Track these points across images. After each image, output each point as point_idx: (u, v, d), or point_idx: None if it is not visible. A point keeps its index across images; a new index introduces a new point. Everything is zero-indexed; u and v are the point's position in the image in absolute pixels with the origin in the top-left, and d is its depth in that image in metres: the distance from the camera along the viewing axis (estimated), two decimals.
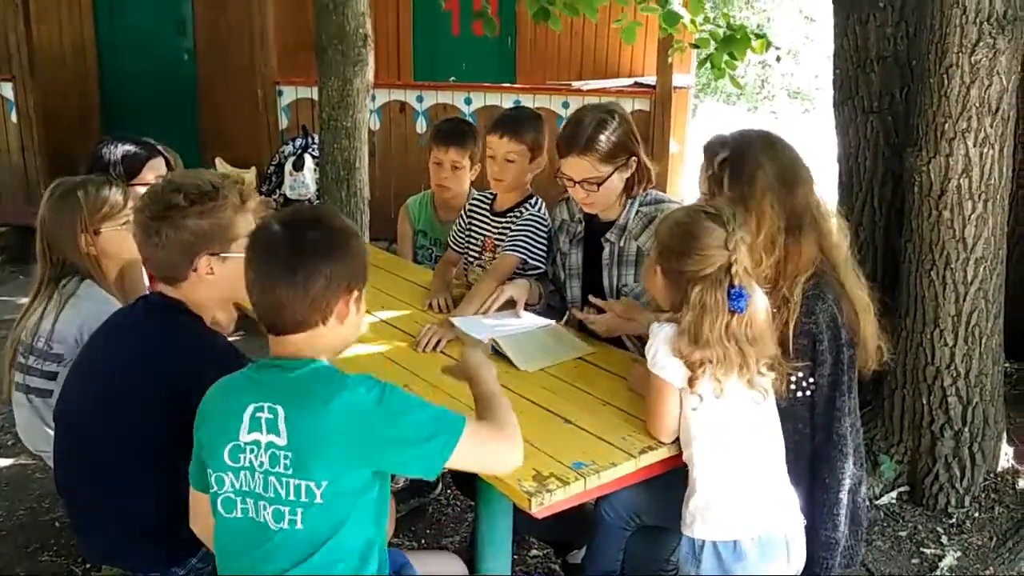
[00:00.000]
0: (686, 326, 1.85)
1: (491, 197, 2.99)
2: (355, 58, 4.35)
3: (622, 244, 2.54)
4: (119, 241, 2.43)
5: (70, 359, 2.28)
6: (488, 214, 2.98)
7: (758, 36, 3.83)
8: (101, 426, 1.90)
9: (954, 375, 3.14)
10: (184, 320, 1.93)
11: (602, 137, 2.45)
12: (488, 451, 1.65)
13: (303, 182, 5.35)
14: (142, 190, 2.69)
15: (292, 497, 1.54)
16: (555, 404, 2.08)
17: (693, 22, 3.79)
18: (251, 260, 1.61)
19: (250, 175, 7.30)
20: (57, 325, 2.31)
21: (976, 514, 3.17)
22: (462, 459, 1.59)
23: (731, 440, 1.89)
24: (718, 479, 1.90)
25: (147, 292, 2.19)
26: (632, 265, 2.54)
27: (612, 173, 2.47)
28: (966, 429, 3.18)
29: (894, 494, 3.28)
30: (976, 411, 3.18)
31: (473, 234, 3.02)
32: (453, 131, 3.29)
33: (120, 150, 2.88)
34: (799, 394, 2.05)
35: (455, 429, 1.58)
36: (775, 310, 1.98)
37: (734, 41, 3.75)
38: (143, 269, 2.54)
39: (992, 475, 3.28)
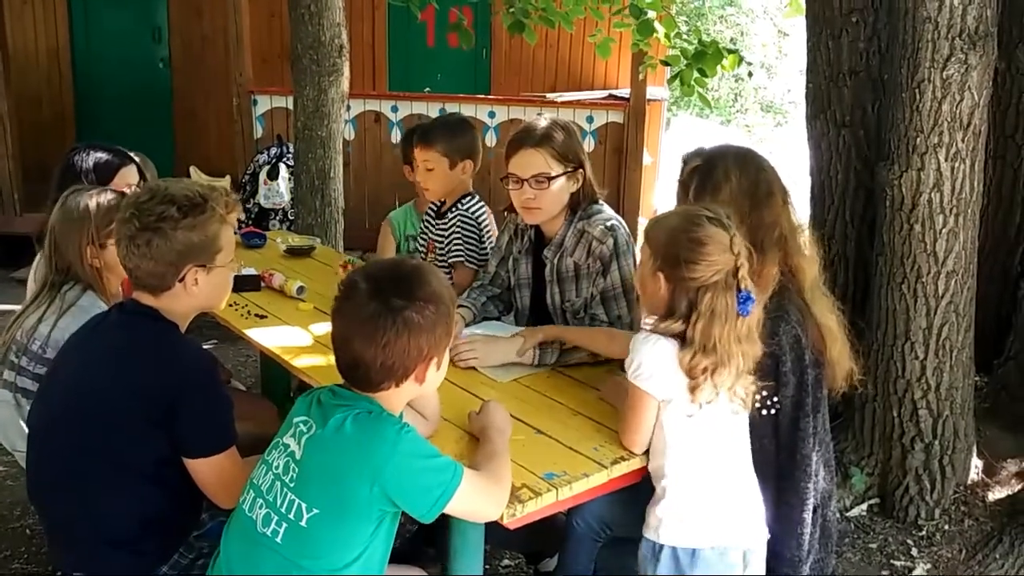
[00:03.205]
0: (698, 336, 1.81)
1: (440, 202, 3.06)
2: (330, 68, 4.33)
3: (556, 261, 2.53)
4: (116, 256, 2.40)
5: None
6: (433, 218, 3.05)
7: (729, 52, 3.85)
8: (72, 434, 1.86)
9: (924, 388, 3.15)
10: (158, 327, 1.90)
11: (556, 135, 2.45)
12: (473, 507, 1.67)
13: (277, 191, 5.32)
14: None
15: (283, 509, 1.59)
16: (527, 415, 2.06)
17: (667, 36, 3.80)
18: (336, 313, 1.64)
19: (225, 183, 7.25)
20: (54, 332, 2.28)
21: (946, 527, 3.17)
22: (448, 509, 1.62)
23: (706, 451, 1.89)
24: (688, 489, 1.89)
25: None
26: (572, 281, 2.52)
27: (561, 176, 2.44)
28: (936, 442, 3.19)
29: (864, 506, 3.28)
30: (946, 424, 3.19)
31: (424, 239, 3.10)
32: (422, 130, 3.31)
33: (92, 158, 2.84)
34: (763, 412, 2.04)
35: (452, 483, 1.59)
36: None
37: (705, 57, 3.77)
38: None
39: (962, 488, 3.29)
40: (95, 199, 2.41)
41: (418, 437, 1.61)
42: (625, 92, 6.29)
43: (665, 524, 1.89)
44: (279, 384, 3.12)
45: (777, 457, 2.06)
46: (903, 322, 3.11)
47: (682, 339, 1.84)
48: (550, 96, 6.36)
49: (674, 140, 9.14)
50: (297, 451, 1.61)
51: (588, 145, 6.11)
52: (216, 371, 1.93)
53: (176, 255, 1.85)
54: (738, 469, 1.94)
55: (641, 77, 5.11)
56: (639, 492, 1.96)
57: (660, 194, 7.15)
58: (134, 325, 1.90)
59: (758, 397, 1.99)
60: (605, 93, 6.65)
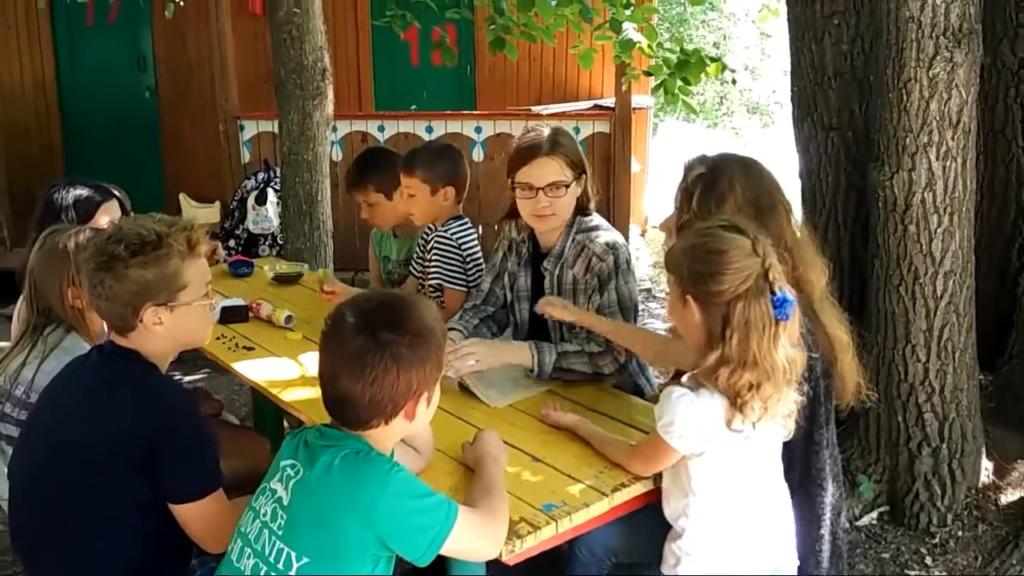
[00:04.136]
0: (733, 350, 1.68)
1: (431, 228, 3.02)
2: (314, 92, 4.30)
3: (558, 273, 2.50)
4: None
5: None
6: (426, 243, 3.01)
7: (712, 60, 3.82)
8: (52, 481, 1.82)
9: (929, 391, 3.10)
10: (136, 368, 1.85)
11: (565, 141, 2.46)
12: (470, 546, 1.61)
13: (266, 216, 5.27)
14: None
15: (271, 559, 1.53)
16: (523, 441, 2.01)
17: (649, 47, 3.77)
18: (323, 347, 1.58)
19: (214, 210, 7.22)
20: (37, 376, 2.22)
21: (959, 533, 3.11)
22: (444, 550, 1.56)
23: (738, 488, 1.81)
24: (713, 528, 1.82)
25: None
26: (571, 295, 2.50)
27: (572, 183, 2.44)
28: (944, 446, 3.13)
29: (874, 514, 3.22)
30: (953, 427, 3.13)
31: (421, 264, 3.05)
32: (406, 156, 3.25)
33: (72, 194, 2.79)
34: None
35: (447, 523, 1.54)
36: None
37: (688, 66, 3.74)
38: None
39: (973, 492, 3.23)
40: (73, 239, 2.35)
41: (409, 476, 1.56)
42: (610, 102, 6.27)
43: (685, 563, 1.82)
44: (271, 416, 3.06)
45: (790, 472, 2.01)
46: (903, 325, 3.06)
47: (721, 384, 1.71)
48: (536, 109, 6.33)
49: (662, 145, 9.12)
50: (284, 496, 1.56)
51: None
52: (198, 412, 1.88)
53: (131, 295, 1.81)
54: (773, 494, 1.88)
55: (624, 88, 5.08)
56: (645, 516, 1.91)
57: (650, 200, 7.12)
58: (112, 367, 1.86)
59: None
60: (591, 103, 6.62)
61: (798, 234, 2.08)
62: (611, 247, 2.45)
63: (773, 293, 1.69)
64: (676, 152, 9.57)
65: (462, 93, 7.40)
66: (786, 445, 2.00)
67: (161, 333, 1.85)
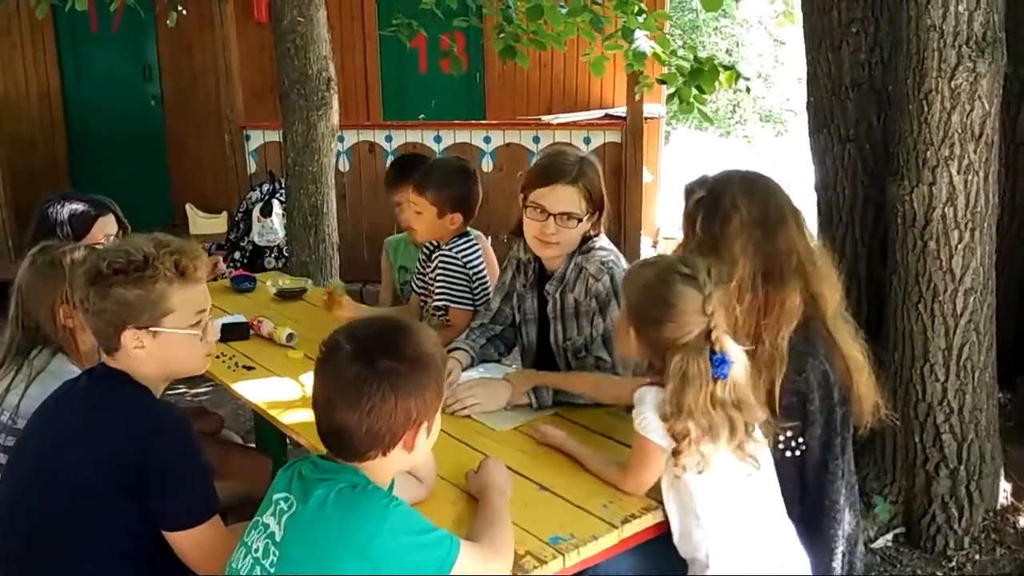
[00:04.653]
0: (668, 396, 1.72)
1: (434, 244, 2.91)
2: (319, 102, 4.24)
3: (559, 297, 2.43)
4: None
5: None
6: (426, 260, 2.93)
7: (726, 68, 3.74)
8: (40, 508, 1.76)
9: (947, 411, 3.01)
10: (127, 390, 1.79)
11: (592, 174, 2.37)
12: None
13: (272, 228, 5.21)
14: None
15: None
16: (529, 468, 1.93)
17: (661, 56, 3.70)
18: (317, 375, 1.52)
19: (221, 220, 7.17)
20: (24, 401, 2.13)
21: (977, 556, 3.03)
22: None
23: (730, 505, 1.76)
24: (736, 551, 1.76)
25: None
26: (573, 318, 2.42)
27: (585, 217, 2.37)
28: (962, 467, 3.05)
29: (890, 536, 3.14)
30: (972, 448, 3.05)
31: (423, 281, 2.95)
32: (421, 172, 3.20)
33: (67, 209, 2.72)
34: (787, 453, 1.92)
35: (448, 560, 1.47)
36: (761, 367, 1.85)
37: (701, 74, 3.67)
38: None
39: (991, 514, 3.15)
40: (69, 255, 2.28)
41: (408, 511, 1.48)
42: (621, 111, 6.19)
43: None
44: (274, 435, 2.98)
45: (802, 502, 1.93)
46: (921, 343, 2.98)
47: None
48: (546, 119, 6.24)
49: (674, 154, 9.04)
50: (277, 532, 1.48)
51: None
52: (191, 436, 1.81)
53: (111, 314, 1.75)
54: (769, 532, 1.80)
55: (637, 98, 5.01)
56: (656, 546, 1.82)
57: (662, 211, 7.04)
58: (102, 389, 1.81)
59: (781, 438, 1.88)
60: (601, 113, 6.54)
61: (812, 247, 1.99)
62: (605, 266, 2.36)
63: (714, 352, 1.71)
64: (688, 161, 9.51)
65: (471, 101, 7.33)
66: (799, 473, 1.93)
67: (143, 357, 1.79)
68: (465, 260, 2.73)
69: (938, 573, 2.97)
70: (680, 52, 3.83)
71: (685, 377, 1.70)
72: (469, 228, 2.86)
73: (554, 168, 2.38)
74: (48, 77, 7.48)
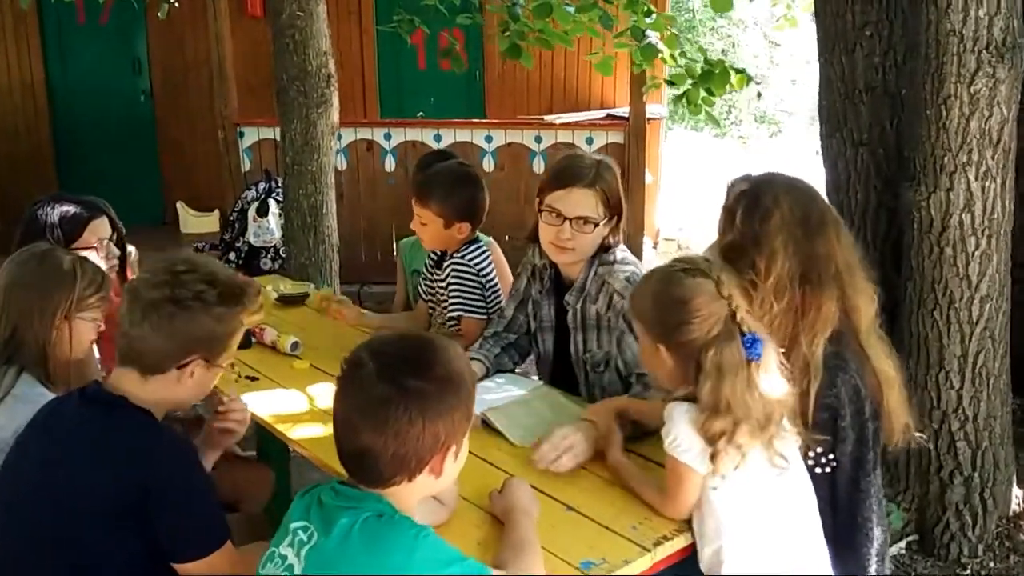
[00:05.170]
0: (708, 398, 1.65)
1: (440, 251, 2.83)
2: (318, 99, 4.16)
3: (578, 307, 2.37)
4: (82, 335, 2.12)
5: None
6: (433, 267, 2.83)
7: (737, 71, 3.69)
8: (31, 548, 1.66)
9: (962, 419, 2.99)
10: (128, 415, 1.69)
11: (610, 178, 2.31)
12: None
13: (268, 228, 5.12)
14: (94, 258, 2.45)
15: None
16: (554, 487, 1.86)
17: (672, 56, 3.64)
18: (339, 395, 1.43)
19: (213, 219, 7.07)
20: None
21: (991, 564, 3.01)
22: None
23: (759, 522, 1.70)
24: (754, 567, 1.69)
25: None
26: (593, 330, 2.36)
27: (602, 222, 2.30)
28: (976, 475, 3.03)
29: (903, 544, 3.11)
30: (986, 455, 3.03)
31: (430, 288, 2.87)
32: (437, 158, 3.13)
33: (57, 211, 2.56)
34: (817, 470, 1.86)
35: None
36: (794, 373, 1.79)
37: (712, 77, 3.61)
38: (96, 367, 2.29)
39: (1004, 521, 3.13)
40: (80, 264, 2.14)
41: (438, 541, 1.41)
42: (623, 111, 6.14)
43: None
44: (276, 446, 2.91)
45: (834, 520, 1.88)
46: (936, 351, 2.95)
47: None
48: (548, 118, 6.18)
49: (670, 154, 8.99)
50: (296, 564, 1.40)
51: None
52: (199, 464, 1.73)
53: (191, 339, 1.68)
54: (800, 536, 1.75)
55: (645, 98, 4.95)
56: (683, 566, 1.77)
57: (662, 212, 6.99)
58: (102, 416, 1.69)
59: (811, 454, 1.82)
60: (603, 113, 6.48)
61: (851, 259, 1.94)
62: (631, 283, 2.29)
63: (743, 334, 1.66)
64: (685, 162, 9.47)
65: (471, 99, 7.25)
66: (830, 490, 1.88)
67: (187, 386, 1.72)
68: (478, 268, 2.66)
69: None
70: (689, 53, 3.76)
71: (721, 369, 1.64)
72: (479, 234, 2.79)
73: (570, 171, 2.32)
74: (32, 67, 7.29)
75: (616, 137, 5.93)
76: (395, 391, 1.37)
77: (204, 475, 1.73)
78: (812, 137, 13.06)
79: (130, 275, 2.76)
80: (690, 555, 1.77)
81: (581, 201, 2.27)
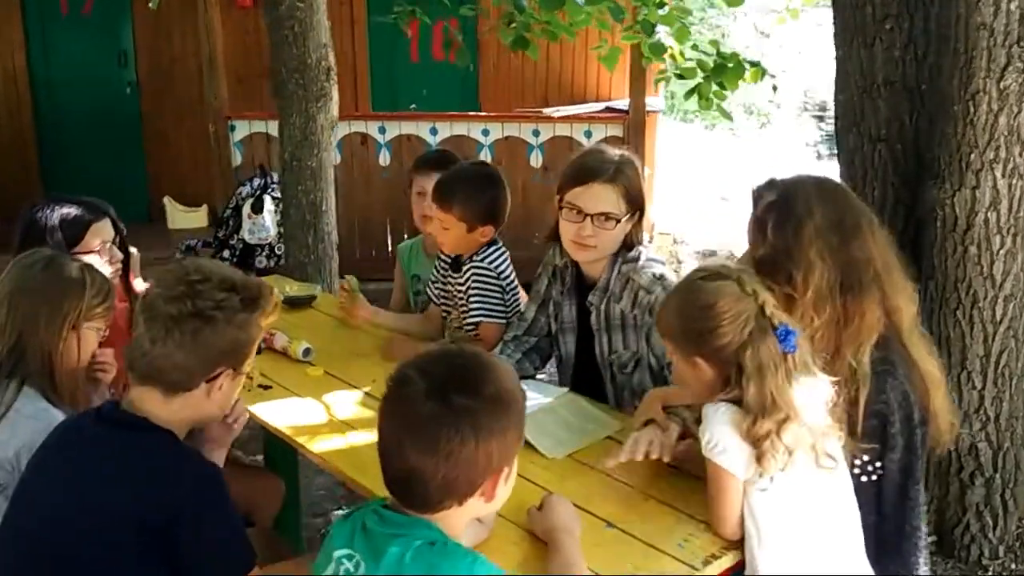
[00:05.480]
0: (754, 399, 1.60)
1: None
2: (318, 93, 4.06)
3: (603, 307, 2.31)
4: (89, 344, 2.04)
5: (6, 485, 1.86)
6: (448, 270, 2.73)
7: (752, 64, 3.61)
8: (57, 569, 1.57)
9: (983, 420, 2.96)
10: (153, 438, 1.61)
11: (631, 172, 2.26)
12: None
13: (263, 225, 5.00)
14: (96, 262, 2.35)
15: None
16: (592, 502, 1.79)
17: (682, 53, 3.56)
18: (385, 415, 1.36)
19: (201, 214, 6.93)
20: None
21: (1012, 565, 3.00)
22: None
23: (804, 528, 1.64)
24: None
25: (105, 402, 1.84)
26: (619, 330, 2.31)
27: (624, 218, 2.24)
28: (997, 476, 3.00)
29: None
30: (1007, 457, 3.00)
31: (444, 291, 2.77)
32: (437, 158, 3.04)
33: (57, 214, 2.44)
34: (863, 478, 1.80)
35: None
36: (840, 385, 1.73)
37: (725, 70, 3.53)
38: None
39: None
40: (89, 272, 2.05)
41: (492, 568, 1.33)
42: (621, 103, 6.07)
43: None
44: (285, 454, 2.82)
45: (878, 528, 1.81)
46: (959, 350, 2.91)
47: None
48: (547, 111, 6.10)
49: (663, 148, 8.92)
50: None
51: None
52: (225, 488, 1.63)
53: (218, 352, 1.60)
54: (845, 543, 1.69)
55: (655, 90, 4.87)
56: None
57: (656, 207, 6.91)
58: (124, 439, 1.61)
59: (857, 461, 1.76)
60: (602, 106, 6.41)
61: (888, 257, 1.88)
62: (658, 279, 2.26)
63: (775, 328, 1.63)
64: (675, 154, 9.40)
65: (464, 91, 7.13)
66: (876, 499, 1.82)
67: (215, 400, 1.64)
68: (499, 271, 2.58)
69: None
70: (700, 46, 3.68)
71: (761, 368, 1.60)
72: None
73: (590, 166, 2.26)
74: (14, 58, 7.10)
75: (615, 130, 5.86)
76: (445, 410, 1.30)
77: (230, 499, 1.63)
78: (801, 129, 13.06)
79: (133, 278, 2.66)
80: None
81: (602, 197, 2.22)
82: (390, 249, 6.23)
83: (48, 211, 2.45)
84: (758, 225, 1.89)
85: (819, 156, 13.68)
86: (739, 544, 1.67)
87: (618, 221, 2.23)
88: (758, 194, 1.91)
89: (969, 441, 2.93)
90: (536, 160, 5.99)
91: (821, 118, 14.98)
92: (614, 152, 2.32)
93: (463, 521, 1.40)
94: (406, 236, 6.23)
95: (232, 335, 1.61)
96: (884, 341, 1.81)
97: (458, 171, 2.69)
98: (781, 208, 1.85)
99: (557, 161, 5.99)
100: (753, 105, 12.75)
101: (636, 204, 2.28)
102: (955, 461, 3.01)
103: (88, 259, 2.33)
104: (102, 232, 2.51)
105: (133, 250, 2.66)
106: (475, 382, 1.33)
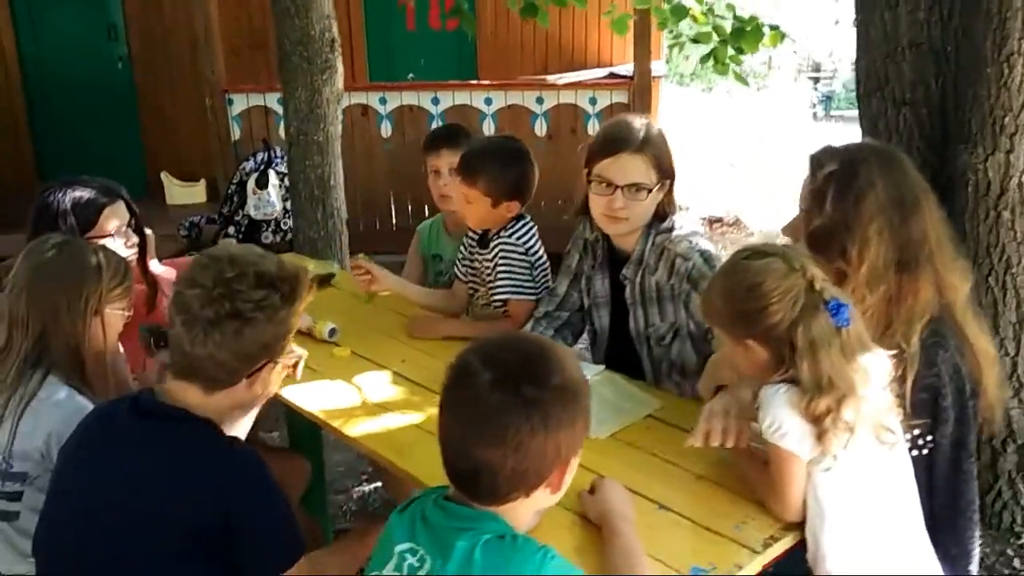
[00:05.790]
0: (808, 377, 1.55)
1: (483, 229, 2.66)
2: (322, 65, 3.95)
3: (639, 280, 2.26)
4: (113, 328, 2.01)
5: (37, 476, 1.86)
6: (476, 246, 2.66)
7: (772, 28, 3.51)
8: (101, 567, 1.54)
9: (1016, 386, 2.93)
10: (197, 429, 1.57)
11: (660, 141, 2.20)
12: None
13: (268, 200, 4.91)
14: (112, 246, 2.29)
15: None
16: (640, 483, 1.74)
17: (703, 14, 3.47)
18: (448, 406, 1.31)
19: (199, 189, 6.83)
20: (16, 440, 1.85)
21: None
22: None
23: (868, 507, 1.60)
24: (854, 559, 1.59)
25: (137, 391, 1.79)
26: (655, 303, 2.27)
27: (655, 188, 2.19)
28: None
29: None
30: None
31: (472, 267, 2.71)
32: (445, 134, 2.97)
33: (69, 197, 2.37)
34: (914, 452, 1.76)
35: None
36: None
37: (744, 35, 3.44)
38: (124, 359, 2.15)
39: None
40: (103, 253, 2.03)
41: (563, 562, 1.29)
42: (623, 69, 5.97)
43: None
44: (309, 435, 2.77)
45: (931, 503, 1.78)
46: (990, 317, 2.86)
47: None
48: (551, 79, 5.99)
49: (662, 113, 8.82)
50: None
51: (593, 128, 5.78)
52: (273, 479, 1.60)
53: (259, 347, 1.56)
54: (906, 519, 1.66)
55: (667, 58, 4.77)
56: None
57: None
58: (164, 433, 1.56)
59: (907, 436, 1.72)
60: (605, 71, 6.30)
61: (942, 232, 1.83)
62: (694, 247, 2.22)
63: (826, 302, 1.57)
64: (675, 119, 9.31)
65: (462, 60, 7.01)
66: (927, 473, 1.79)
67: (257, 393, 1.61)
68: (527, 246, 2.51)
69: (1008, 551, 2.91)
70: (716, 9, 3.59)
71: (814, 345, 1.55)
72: None
73: (618, 137, 2.20)
74: (1, 37, 6.97)
75: (620, 97, 5.76)
76: (515, 401, 1.25)
77: (277, 486, 1.60)
78: (799, 91, 12.95)
79: (149, 260, 2.59)
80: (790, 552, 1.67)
81: (631, 167, 2.17)
82: (394, 222, 6.15)
83: (60, 194, 2.38)
84: (816, 195, 1.83)
85: (815, 117, 13.64)
86: (796, 526, 1.63)
87: (649, 191, 2.18)
88: (817, 162, 1.85)
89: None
90: (540, 128, 5.90)
91: (817, 79, 14.90)
92: (640, 121, 2.26)
93: (529, 513, 1.37)
94: (410, 208, 6.18)
95: (272, 331, 1.58)
96: (938, 315, 1.77)
97: (485, 145, 2.62)
98: (842, 179, 1.79)
99: (561, 129, 5.91)
100: (750, 68, 12.66)
101: (667, 172, 2.23)
102: (986, 427, 2.98)
103: (104, 243, 2.27)
104: (117, 214, 2.45)
105: (148, 232, 2.60)
106: (543, 371, 1.29)
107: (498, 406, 1.25)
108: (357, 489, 3.58)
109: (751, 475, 1.70)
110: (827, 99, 14.94)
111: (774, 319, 1.58)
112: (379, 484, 3.54)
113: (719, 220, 7.06)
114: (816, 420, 1.55)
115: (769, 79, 12.26)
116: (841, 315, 1.57)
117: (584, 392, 1.34)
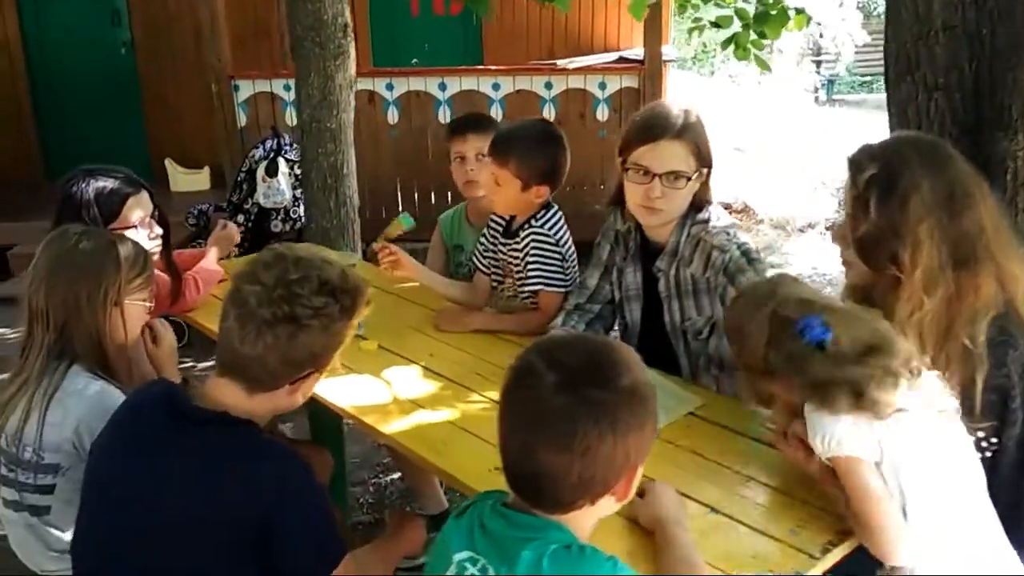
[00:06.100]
0: (806, 393, 1.55)
1: (506, 218, 2.60)
2: (335, 51, 3.88)
3: (673, 273, 2.21)
4: (134, 319, 1.99)
5: (68, 467, 1.85)
6: (501, 235, 2.60)
7: (798, 11, 3.43)
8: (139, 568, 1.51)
9: None
10: (238, 430, 1.53)
11: (698, 126, 2.13)
12: None
13: (278, 189, 4.83)
14: (135, 236, 2.26)
15: None
16: (690, 485, 1.69)
17: None
18: (508, 409, 1.25)
19: (203, 176, 6.75)
20: (44, 432, 1.84)
21: None
22: None
23: (944, 498, 1.55)
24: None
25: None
26: (690, 296, 2.21)
27: (694, 176, 2.13)
28: None
29: None
30: None
31: (495, 257, 2.65)
32: (471, 120, 2.94)
33: (92, 188, 2.34)
34: (977, 455, 1.71)
35: None
36: (953, 365, 1.64)
37: (768, 19, 3.35)
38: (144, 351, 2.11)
39: None
40: (122, 242, 2.00)
41: (632, 572, 1.24)
42: (632, 53, 5.88)
43: None
44: (330, 427, 2.72)
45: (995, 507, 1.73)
46: None
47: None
48: (561, 63, 5.90)
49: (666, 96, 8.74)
50: None
51: (602, 114, 5.72)
52: (315, 479, 1.58)
53: (309, 355, 1.52)
54: (985, 521, 1.61)
55: (688, 42, 4.69)
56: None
57: None
58: (206, 437, 1.52)
59: (972, 438, 1.66)
60: (614, 56, 6.21)
61: (998, 219, 1.76)
62: (732, 239, 2.16)
63: (793, 322, 1.55)
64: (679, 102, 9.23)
65: (467, 45, 6.93)
66: (991, 475, 1.72)
67: (296, 401, 1.59)
68: (558, 237, 2.45)
69: None
70: None
71: (792, 360, 1.53)
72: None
73: (656, 123, 2.14)
74: (5, 24, 6.91)
75: (630, 82, 5.67)
76: (581, 404, 1.20)
77: (319, 487, 1.58)
78: (802, 75, 12.82)
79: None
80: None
81: (670, 154, 2.10)
82: (400, 209, 6.08)
83: (83, 185, 2.35)
84: (859, 202, 1.76)
85: (817, 101, 13.54)
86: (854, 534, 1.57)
87: (688, 179, 2.12)
88: (856, 166, 1.77)
89: None
90: (549, 113, 5.82)
91: (819, 63, 14.78)
92: (678, 106, 2.19)
93: (592, 521, 1.31)
94: (416, 195, 6.11)
95: (324, 341, 1.55)
96: (1001, 314, 1.70)
97: (520, 126, 2.55)
98: (883, 183, 1.72)
99: (570, 114, 5.83)
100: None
101: (705, 161, 2.17)
102: None
103: (127, 234, 2.23)
104: (140, 205, 2.43)
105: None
106: (610, 374, 1.24)
107: (563, 410, 1.20)
108: (374, 481, 3.54)
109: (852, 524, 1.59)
110: (829, 83, 14.86)
111: (757, 353, 1.57)
112: (395, 476, 3.50)
113: (728, 207, 7.00)
114: (854, 394, 1.49)
115: (772, 63, 12.14)
116: (810, 332, 1.52)
117: (652, 395, 1.28)
